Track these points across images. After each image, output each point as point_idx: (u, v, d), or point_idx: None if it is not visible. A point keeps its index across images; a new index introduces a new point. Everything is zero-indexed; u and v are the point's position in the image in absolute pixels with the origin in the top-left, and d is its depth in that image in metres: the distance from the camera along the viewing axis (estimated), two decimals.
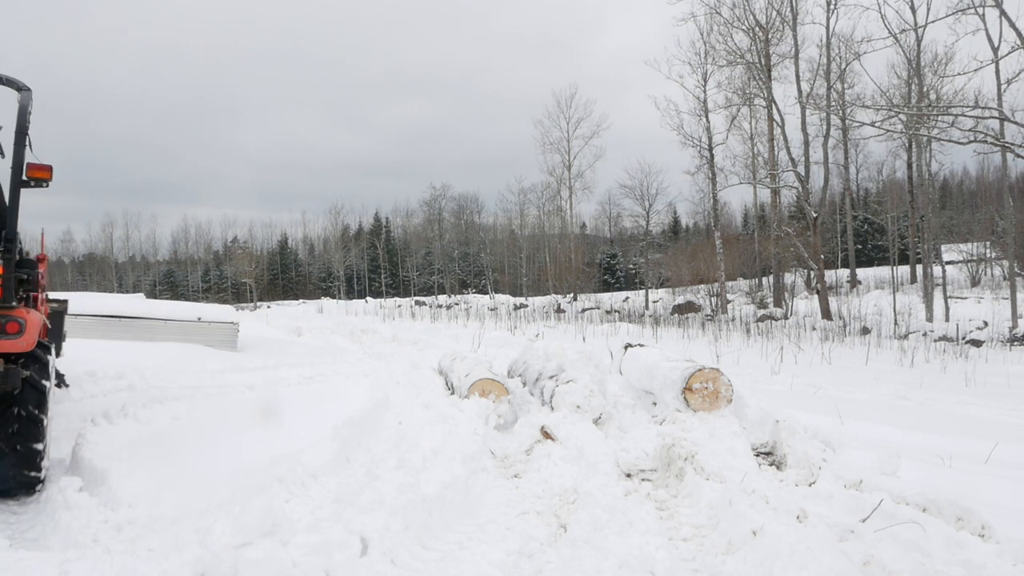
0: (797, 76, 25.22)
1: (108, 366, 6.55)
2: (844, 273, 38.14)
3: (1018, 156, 13.16)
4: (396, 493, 3.73)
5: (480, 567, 3.11)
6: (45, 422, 3.66)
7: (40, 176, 3.94)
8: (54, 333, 5.52)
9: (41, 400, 3.66)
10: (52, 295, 5.90)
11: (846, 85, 26.53)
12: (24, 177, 3.91)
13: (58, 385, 5.07)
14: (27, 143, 3.99)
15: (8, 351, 3.56)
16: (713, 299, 29.34)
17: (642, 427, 5.78)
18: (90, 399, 5.41)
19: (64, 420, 4.79)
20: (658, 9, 41.22)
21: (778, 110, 26.22)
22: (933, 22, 18.44)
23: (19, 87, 4.12)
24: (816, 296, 26.02)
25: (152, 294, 53.05)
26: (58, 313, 5.73)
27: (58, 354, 5.44)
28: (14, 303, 3.79)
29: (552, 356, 7.03)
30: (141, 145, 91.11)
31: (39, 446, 3.59)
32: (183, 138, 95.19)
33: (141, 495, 3.42)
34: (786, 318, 24.13)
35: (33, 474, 3.57)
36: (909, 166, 28.63)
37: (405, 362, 9.47)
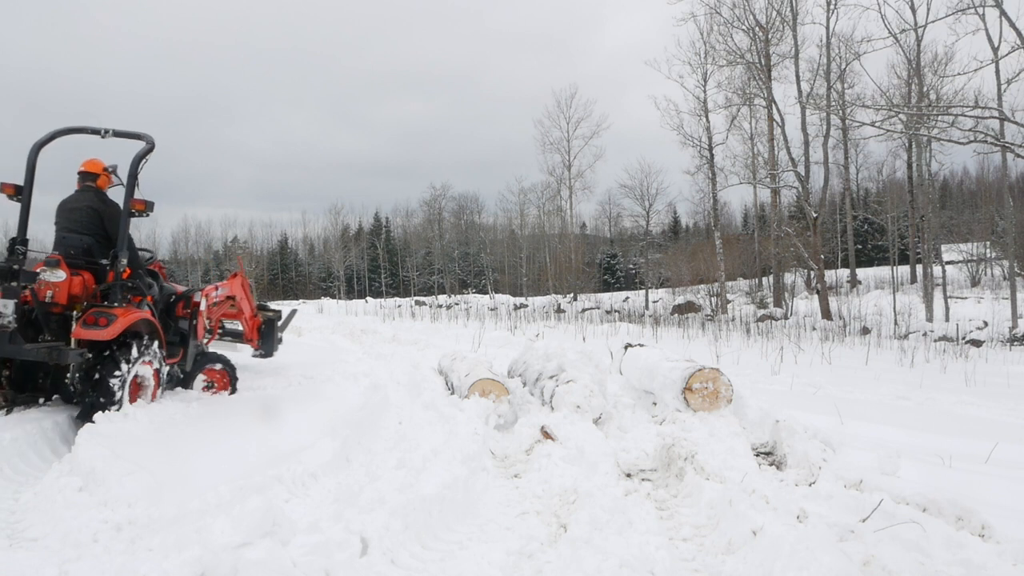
0: (797, 76, 25.25)
1: None
2: (844, 273, 38.14)
3: (1018, 156, 13.16)
4: (396, 493, 3.73)
5: (480, 567, 3.11)
6: (118, 393, 4.69)
7: (138, 208, 5.18)
8: (267, 337, 7.14)
9: (110, 377, 4.66)
10: (273, 306, 7.61)
11: (846, 85, 26.54)
12: (131, 211, 5.17)
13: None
14: (135, 184, 5.21)
15: (92, 338, 4.61)
16: (713, 299, 29.34)
17: (642, 427, 5.78)
18: None
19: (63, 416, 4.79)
20: (657, 7, 41.17)
21: (778, 110, 26.24)
22: (933, 22, 18.43)
23: (147, 141, 5.35)
24: (816, 296, 26.02)
25: None
26: (271, 320, 7.18)
27: (271, 355, 7.24)
28: (116, 303, 4.92)
29: (552, 356, 7.03)
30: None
31: (111, 405, 4.64)
32: (182, 138, 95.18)
33: (141, 495, 3.42)
34: (786, 318, 24.13)
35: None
36: (909, 166, 28.65)
37: (405, 362, 9.45)
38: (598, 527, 3.40)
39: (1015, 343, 17.45)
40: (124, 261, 5.09)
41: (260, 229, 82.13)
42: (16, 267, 4.77)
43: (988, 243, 34.46)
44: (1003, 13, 12.98)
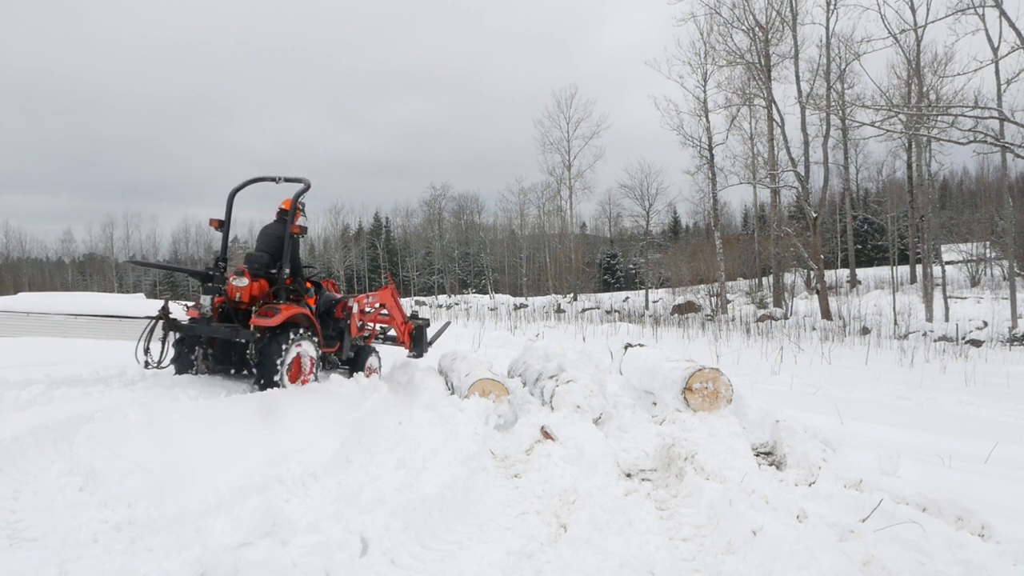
0: (797, 76, 25.27)
1: (109, 365, 6.55)
2: (844, 273, 38.15)
3: (1018, 156, 13.16)
4: (396, 493, 3.73)
5: (480, 567, 3.11)
6: (281, 366, 6.18)
7: (295, 231, 6.87)
8: (418, 341, 8.79)
9: (275, 353, 6.15)
10: (422, 316, 9.39)
11: (846, 85, 26.54)
12: (290, 232, 6.81)
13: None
14: (295, 212, 7.01)
15: (263, 324, 6.17)
16: (713, 299, 29.35)
17: (642, 427, 5.78)
18: (91, 398, 5.39)
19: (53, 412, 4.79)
20: (657, 7, 41.16)
21: (778, 110, 26.25)
22: (933, 22, 18.44)
23: (305, 183, 7.05)
24: (816, 296, 26.02)
25: (152, 294, 53.03)
26: (420, 328, 8.86)
27: (421, 356, 8.88)
28: (281, 301, 6.50)
29: (552, 356, 7.03)
30: (141, 145, 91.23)
31: (275, 375, 6.14)
32: (182, 138, 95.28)
33: (141, 495, 3.41)
34: (786, 318, 24.14)
35: (269, 387, 6.05)
36: (909, 166, 28.65)
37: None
38: (598, 527, 3.40)
39: (1015, 343, 17.46)
40: (287, 271, 6.73)
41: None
42: (213, 273, 6.61)
43: (988, 243, 34.45)
44: (1003, 13, 12.99)
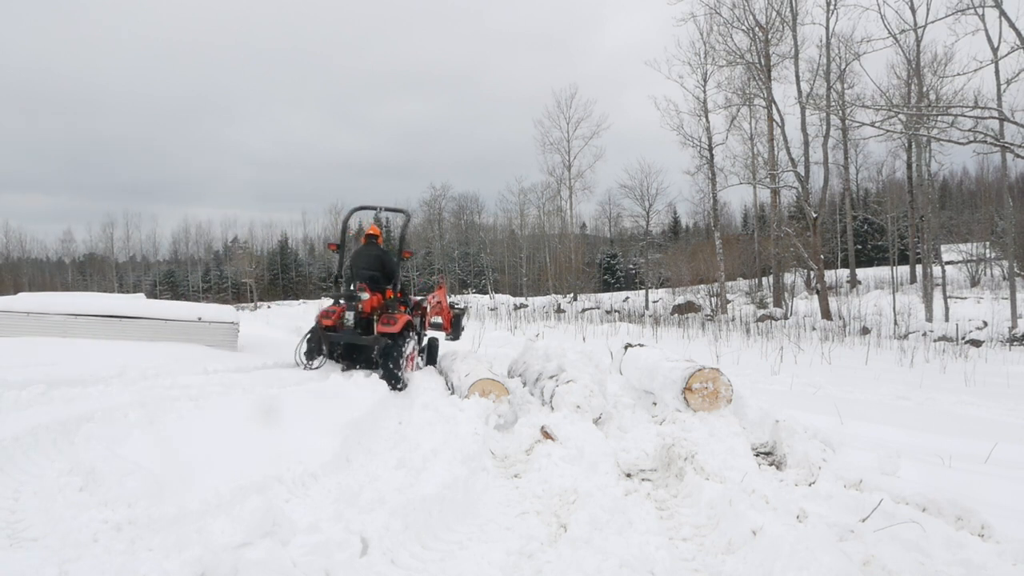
0: (797, 76, 25.26)
1: (109, 365, 6.54)
2: (844, 273, 38.14)
3: (1018, 156, 13.16)
4: (396, 493, 3.73)
5: (480, 567, 3.11)
6: (402, 364, 7.51)
7: (406, 256, 8.88)
8: (455, 326, 10.10)
9: (398, 354, 7.51)
10: (460, 304, 11.38)
11: (846, 85, 26.54)
12: (401, 257, 8.66)
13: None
14: (402, 239, 8.96)
15: (387, 332, 7.63)
16: (713, 299, 29.35)
17: (642, 427, 5.78)
18: (91, 398, 5.39)
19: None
20: (657, 7, 41.15)
21: (778, 110, 26.24)
22: (933, 22, 18.45)
23: (406, 213, 9.07)
24: (816, 296, 26.02)
25: (152, 294, 53.00)
26: (457, 316, 10.22)
27: (457, 339, 10.24)
28: (394, 311, 8.07)
29: (552, 356, 7.03)
30: (141, 145, 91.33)
31: (399, 373, 7.41)
32: (183, 138, 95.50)
33: (141, 495, 3.41)
34: (786, 318, 24.14)
35: (396, 384, 7.30)
36: (909, 166, 28.65)
37: None
38: (598, 527, 3.40)
39: (1015, 343, 17.45)
40: (398, 286, 8.47)
41: (260, 229, 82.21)
42: (354, 291, 8.02)
43: (988, 243, 34.45)
44: (1003, 13, 12.98)
